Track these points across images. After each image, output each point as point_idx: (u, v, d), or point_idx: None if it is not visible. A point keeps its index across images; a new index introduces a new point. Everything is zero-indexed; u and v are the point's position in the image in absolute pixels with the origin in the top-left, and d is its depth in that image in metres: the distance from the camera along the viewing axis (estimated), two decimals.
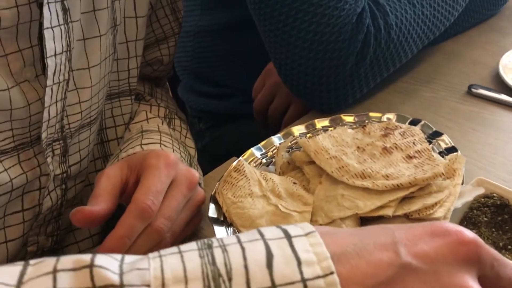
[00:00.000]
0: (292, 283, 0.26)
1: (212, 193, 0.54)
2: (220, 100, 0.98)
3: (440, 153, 0.57)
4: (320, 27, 0.64)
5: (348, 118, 0.65)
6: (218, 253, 0.28)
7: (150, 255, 0.29)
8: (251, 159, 0.60)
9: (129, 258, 0.29)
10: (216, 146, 0.98)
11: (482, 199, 0.53)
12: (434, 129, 0.60)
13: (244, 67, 0.93)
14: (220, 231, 0.50)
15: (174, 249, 0.29)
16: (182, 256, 0.28)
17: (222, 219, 0.52)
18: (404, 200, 0.50)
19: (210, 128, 1.01)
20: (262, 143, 0.62)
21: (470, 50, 0.84)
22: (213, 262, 0.28)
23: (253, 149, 0.61)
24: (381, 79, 0.73)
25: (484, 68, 0.80)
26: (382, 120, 0.63)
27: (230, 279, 0.27)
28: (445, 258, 0.29)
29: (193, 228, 0.54)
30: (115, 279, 0.26)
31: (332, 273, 0.27)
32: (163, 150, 0.51)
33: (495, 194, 0.53)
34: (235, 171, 0.55)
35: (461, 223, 0.52)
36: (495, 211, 0.53)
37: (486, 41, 0.86)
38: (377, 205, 0.49)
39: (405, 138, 0.57)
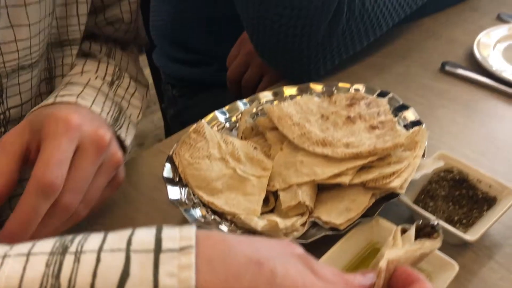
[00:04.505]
0: None
1: (170, 153, 0.53)
2: (193, 67, 0.96)
3: (405, 126, 0.56)
4: None
5: (317, 87, 0.64)
6: (68, 262, 0.25)
7: None
8: (213, 122, 0.59)
9: None
10: (188, 115, 0.96)
11: (442, 173, 0.53)
12: (401, 102, 0.59)
13: (219, 34, 0.91)
14: (173, 191, 0.49)
15: (27, 246, 0.27)
16: (27, 261, 0.25)
17: (177, 179, 0.51)
18: (362, 169, 0.49)
19: (183, 96, 0.99)
20: (227, 107, 0.61)
21: (448, 29, 0.83)
22: (58, 275, 0.25)
23: (216, 112, 0.59)
24: (354, 52, 0.72)
25: (459, 47, 0.79)
26: (350, 90, 0.62)
27: None
28: None
29: (112, 190, 0.49)
30: None
31: None
32: (64, 112, 0.45)
33: (454, 169, 0.53)
34: (194, 132, 0.53)
35: (419, 196, 0.52)
36: (453, 186, 0.52)
37: (464, 19, 0.85)
38: (335, 172, 0.49)
39: (370, 108, 0.56)
